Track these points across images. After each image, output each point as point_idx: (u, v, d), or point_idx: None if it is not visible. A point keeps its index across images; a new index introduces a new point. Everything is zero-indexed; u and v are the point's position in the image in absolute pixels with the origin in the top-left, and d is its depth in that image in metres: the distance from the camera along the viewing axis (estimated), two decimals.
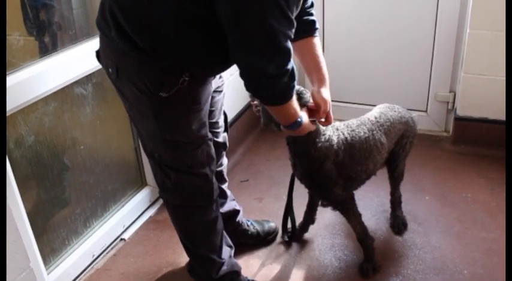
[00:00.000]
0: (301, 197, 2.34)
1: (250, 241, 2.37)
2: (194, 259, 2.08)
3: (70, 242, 2.28)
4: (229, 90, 2.81)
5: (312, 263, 2.29)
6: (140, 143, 1.92)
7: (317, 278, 2.20)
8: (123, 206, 2.55)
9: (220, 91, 2.01)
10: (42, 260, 2.04)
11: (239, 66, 1.56)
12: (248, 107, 3.23)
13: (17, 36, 1.93)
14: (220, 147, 2.08)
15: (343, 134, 1.99)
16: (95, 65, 1.78)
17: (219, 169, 2.15)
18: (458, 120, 3.09)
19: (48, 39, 2.09)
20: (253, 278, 2.18)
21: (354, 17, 3.27)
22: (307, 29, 1.80)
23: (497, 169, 2.83)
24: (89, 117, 2.29)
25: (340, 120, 2.09)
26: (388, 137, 2.12)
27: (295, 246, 2.39)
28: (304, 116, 1.77)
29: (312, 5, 1.85)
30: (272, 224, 2.43)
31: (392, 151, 2.20)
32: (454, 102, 3.20)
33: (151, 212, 2.66)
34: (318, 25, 1.87)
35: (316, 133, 1.89)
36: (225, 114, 2.10)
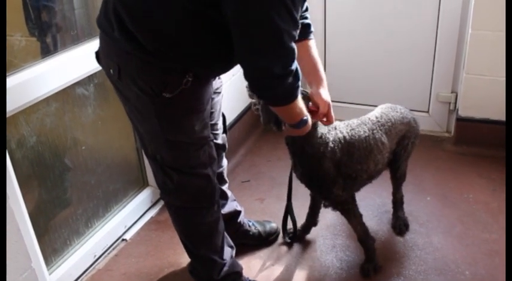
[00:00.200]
0: (303, 198, 2.34)
1: (252, 242, 2.37)
2: (195, 260, 2.08)
3: (72, 243, 2.28)
4: (230, 91, 2.82)
5: (313, 264, 2.29)
6: (141, 146, 1.91)
7: (318, 278, 2.20)
8: (124, 206, 2.56)
9: (219, 92, 2.01)
10: (43, 261, 2.04)
11: (244, 67, 1.55)
12: (249, 108, 3.22)
13: (18, 36, 1.93)
14: (219, 149, 2.08)
15: (342, 132, 1.99)
16: (96, 65, 1.78)
17: (219, 170, 2.15)
18: (460, 120, 3.09)
19: (50, 39, 2.09)
20: (255, 279, 2.18)
21: (355, 17, 3.27)
22: (302, 32, 1.81)
23: (498, 170, 2.83)
24: (90, 118, 2.30)
25: (341, 120, 2.09)
26: (389, 137, 2.12)
27: (296, 247, 2.39)
28: (308, 116, 1.79)
29: (307, 9, 1.86)
30: (273, 225, 2.44)
31: (394, 152, 2.20)
32: (455, 103, 3.20)
33: (152, 212, 2.67)
34: (313, 28, 1.89)
35: (311, 131, 1.89)
36: (223, 116, 2.10)
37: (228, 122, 2.48)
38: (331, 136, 1.95)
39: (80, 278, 2.25)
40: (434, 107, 3.30)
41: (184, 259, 2.23)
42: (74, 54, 2.10)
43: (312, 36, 1.89)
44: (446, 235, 2.42)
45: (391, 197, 2.46)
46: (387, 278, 2.18)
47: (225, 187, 2.25)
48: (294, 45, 1.51)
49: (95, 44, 1.78)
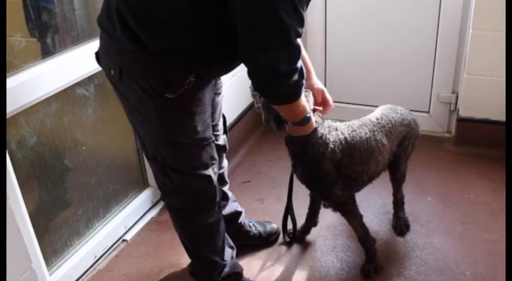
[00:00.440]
0: (303, 198, 2.34)
1: (252, 242, 2.37)
2: (196, 261, 2.08)
3: (72, 243, 2.28)
4: (230, 91, 2.82)
5: (313, 264, 2.28)
6: (141, 147, 1.91)
7: (319, 279, 2.20)
8: (125, 207, 2.56)
9: (219, 93, 2.01)
10: (44, 261, 2.04)
11: (248, 65, 1.55)
12: (250, 108, 3.23)
13: (19, 37, 1.93)
14: (220, 149, 2.08)
15: (343, 133, 1.99)
16: (96, 66, 1.78)
17: (220, 171, 2.14)
18: (461, 121, 3.09)
19: (50, 40, 2.09)
20: (255, 279, 2.18)
21: (355, 17, 3.27)
22: None
23: (499, 170, 2.83)
24: (90, 118, 2.30)
25: (342, 121, 2.09)
26: (389, 139, 2.12)
27: (297, 247, 2.39)
28: (311, 113, 1.82)
29: None
30: (274, 225, 2.43)
31: (394, 153, 2.20)
32: (456, 103, 3.20)
33: (153, 213, 2.67)
34: None
35: (311, 131, 1.90)
36: (223, 116, 2.10)
37: (228, 122, 2.48)
38: (331, 137, 1.95)
39: (81, 279, 2.25)
40: (434, 107, 3.30)
41: (185, 260, 2.23)
42: (74, 54, 2.10)
43: None
44: (447, 235, 2.42)
45: (391, 198, 2.46)
46: (388, 279, 2.17)
47: (225, 188, 2.24)
48: (299, 43, 1.52)
49: (95, 45, 1.78)
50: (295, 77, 1.55)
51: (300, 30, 1.50)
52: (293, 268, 2.27)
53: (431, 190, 2.75)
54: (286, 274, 2.24)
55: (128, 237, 2.50)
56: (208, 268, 2.04)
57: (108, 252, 2.40)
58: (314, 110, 1.94)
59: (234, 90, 2.88)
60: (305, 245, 2.39)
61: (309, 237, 2.43)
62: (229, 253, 2.07)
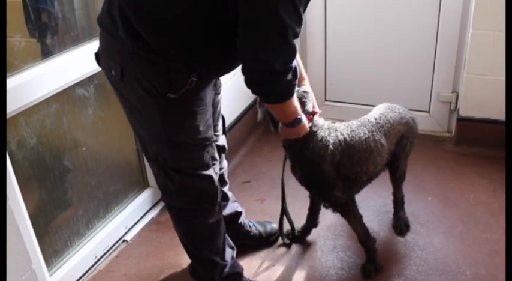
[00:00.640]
0: (303, 199, 2.34)
1: (253, 242, 2.37)
2: (197, 262, 2.08)
3: (72, 244, 2.28)
4: (230, 92, 2.82)
5: (314, 264, 2.28)
6: (141, 149, 1.91)
7: (319, 279, 2.20)
8: (125, 207, 2.55)
9: (219, 93, 2.01)
10: (44, 262, 2.03)
11: (245, 61, 1.55)
12: (250, 108, 3.23)
13: (18, 38, 1.93)
14: (220, 150, 2.08)
15: (342, 134, 1.98)
16: (96, 66, 1.78)
17: (220, 171, 2.14)
18: (461, 120, 3.08)
19: (50, 41, 2.09)
20: (255, 279, 2.18)
21: (355, 17, 3.27)
22: None
23: (499, 170, 2.83)
24: (90, 119, 2.30)
25: (342, 121, 2.09)
26: (388, 139, 2.11)
27: (297, 247, 2.39)
28: (303, 117, 1.80)
29: None
30: (274, 225, 2.43)
31: (393, 152, 2.20)
32: (456, 103, 3.19)
33: (153, 213, 2.66)
34: None
35: (308, 134, 1.89)
36: (223, 117, 2.10)
37: (228, 122, 2.48)
38: (331, 139, 1.95)
39: (81, 280, 2.25)
40: (435, 107, 3.30)
41: (185, 260, 2.23)
42: (74, 55, 2.10)
43: None
44: (447, 235, 2.41)
45: (392, 198, 2.46)
46: (388, 279, 2.17)
47: (225, 189, 2.24)
48: (295, 43, 1.53)
49: (95, 45, 1.78)
50: (289, 76, 1.56)
51: (298, 30, 1.51)
52: (293, 268, 2.27)
53: (431, 190, 2.75)
54: (287, 274, 2.24)
55: (128, 237, 2.50)
56: (208, 268, 2.04)
57: (109, 252, 2.40)
58: (313, 113, 1.92)
59: (234, 90, 2.88)
60: (305, 245, 2.39)
61: (309, 237, 2.43)
62: (229, 253, 2.07)
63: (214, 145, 1.85)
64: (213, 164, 1.86)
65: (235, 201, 2.32)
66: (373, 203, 2.65)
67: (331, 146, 1.94)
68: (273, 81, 1.56)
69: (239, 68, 1.61)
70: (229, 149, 2.21)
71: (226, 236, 2.06)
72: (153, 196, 2.69)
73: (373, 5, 3.20)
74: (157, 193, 2.66)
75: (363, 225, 2.16)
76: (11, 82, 1.79)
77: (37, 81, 1.91)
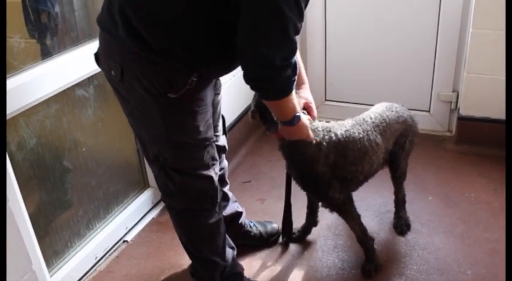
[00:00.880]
0: (303, 199, 2.34)
1: (253, 243, 2.37)
2: (197, 262, 2.08)
3: (72, 245, 2.28)
4: (230, 92, 2.82)
5: (314, 264, 2.28)
6: (141, 149, 1.91)
7: (319, 279, 2.20)
8: (125, 208, 2.55)
9: (218, 94, 2.00)
10: (44, 263, 2.04)
11: (244, 56, 1.55)
12: (250, 108, 3.22)
13: (18, 38, 1.93)
14: (220, 150, 2.08)
15: (336, 134, 1.96)
16: (96, 67, 1.78)
17: (220, 172, 2.14)
18: (461, 120, 3.08)
19: (50, 41, 2.09)
20: (256, 279, 2.18)
21: (355, 17, 3.27)
22: None
23: (499, 169, 2.83)
24: (90, 119, 2.30)
25: (341, 120, 2.09)
26: (384, 138, 2.10)
27: (297, 247, 2.39)
28: (303, 115, 1.80)
29: None
30: (274, 225, 2.43)
31: (391, 151, 2.19)
32: (457, 102, 3.19)
33: (153, 213, 2.66)
34: None
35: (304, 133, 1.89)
36: (223, 117, 2.10)
37: (228, 122, 2.47)
38: (325, 140, 1.93)
39: (81, 280, 2.25)
40: (435, 106, 3.30)
41: (186, 261, 2.23)
42: (73, 55, 2.10)
43: None
44: (448, 234, 2.41)
45: (392, 197, 2.45)
46: (389, 278, 2.17)
47: (226, 189, 2.24)
48: (296, 38, 1.53)
49: (95, 46, 1.78)
50: (288, 71, 1.56)
51: (299, 25, 1.51)
52: (294, 267, 2.27)
53: (432, 189, 2.75)
54: (287, 274, 2.24)
55: (128, 238, 2.49)
56: (209, 268, 2.04)
57: (109, 253, 2.40)
58: (306, 111, 1.92)
59: (234, 90, 2.88)
60: (306, 245, 2.39)
61: (309, 237, 2.42)
62: (230, 253, 2.06)
63: (214, 145, 1.85)
64: (213, 165, 1.86)
65: (236, 201, 2.32)
66: (374, 202, 2.64)
67: (324, 147, 1.93)
68: (272, 77, 1.56)
69: (239, 69, 1.61)
70: (229, 149, 2.21)
71: (227, 236, 2.06)
72: (153, 196, 2.69)
73: (373, 5, 3.20)
74: (158, 194, 2.65)
75: (361, 224, 2.15)
76: (11, 83, 1.79)
77: (37, 82, 1.91)
